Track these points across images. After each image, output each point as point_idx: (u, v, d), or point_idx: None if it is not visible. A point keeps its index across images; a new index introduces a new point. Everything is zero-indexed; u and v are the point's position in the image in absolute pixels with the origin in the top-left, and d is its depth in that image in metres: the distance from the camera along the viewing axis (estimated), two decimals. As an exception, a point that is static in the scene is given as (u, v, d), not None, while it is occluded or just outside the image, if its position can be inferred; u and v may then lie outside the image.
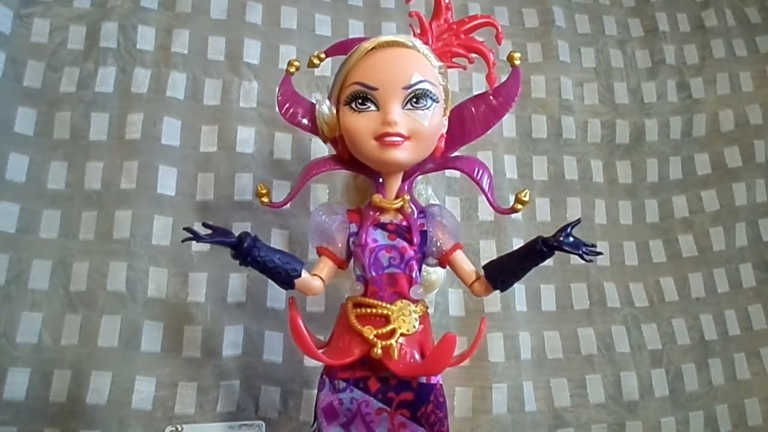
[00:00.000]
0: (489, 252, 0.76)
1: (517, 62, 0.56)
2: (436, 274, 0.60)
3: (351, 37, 0.80)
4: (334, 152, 0.58)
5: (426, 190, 0.61)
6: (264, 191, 0.55)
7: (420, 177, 0.58)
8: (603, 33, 0.91)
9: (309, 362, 0.69)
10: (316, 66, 0.59)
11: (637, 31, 0.92)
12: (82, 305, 0.65)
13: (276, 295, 0.70)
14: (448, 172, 0.76)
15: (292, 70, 0.58)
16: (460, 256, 0.55)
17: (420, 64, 0.52)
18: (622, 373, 0.76)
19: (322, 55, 0.59)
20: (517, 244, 0.76)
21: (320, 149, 0.75)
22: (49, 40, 0.73)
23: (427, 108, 0.52)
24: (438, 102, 0.53)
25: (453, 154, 0.58)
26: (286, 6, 0.80)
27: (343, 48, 0.58)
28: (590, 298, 0.79)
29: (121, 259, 0.66)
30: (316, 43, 0.79)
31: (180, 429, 0.63)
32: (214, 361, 0.66)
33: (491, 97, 0.56)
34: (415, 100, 0.51)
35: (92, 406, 0.62)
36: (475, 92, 0.79)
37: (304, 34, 0.80)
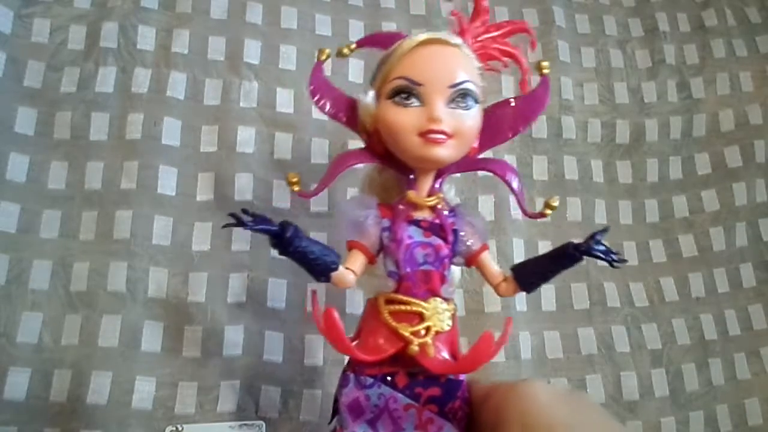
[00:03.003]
0: (490, 251, 0.75)
1: (546, 71, 0.56)
2: (454, 273, 0.60)
3: (352, 38, 0.80)
4: (350, 148, 0.57)
5: (450, 190, 0.61)
6: (295, 180, 0.54)
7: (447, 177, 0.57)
8: (603, 33, 0.91)
9: (309, 362, 0.69)
10: (345, 56, 0.57)
11: (637, 30, 0.92)
12: (83, 305, 0.65)
13: (276, 295, 0.70)
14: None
15: (323, 57, 0.56)
16: (487, 257, 0.55)
17: (464, 64, 0.52)
18: (622, 372, 0.76)
19: (353, 46, 0.58)
20: (518, 244, 0.77)
21: (321, 149, 0.75)
22: (49, 40, 0.73)
23: (470, 108, 0.52)
24: (479, 103, 0.53)
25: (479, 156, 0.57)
26: (287, 6, 0.80)
27: (375, 41, 0.57)
28: (590, 298, 0.79)
29: (122, 259, 0.66)
30: (316, 43, 0.79)
31: (180, 429, 0.63)
32: (215, 361, 0.66)
33: (521, 103, 0.56)
34: (459, 98, 0.51)
35: (92, 406, 0.62)
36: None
37: (305, 34, 0.80)
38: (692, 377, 0.78)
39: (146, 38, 0.74)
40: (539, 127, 0.83)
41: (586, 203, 0.82)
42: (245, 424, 0.65)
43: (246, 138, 0.73)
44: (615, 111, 0.87)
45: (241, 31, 0.77)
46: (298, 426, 0.67)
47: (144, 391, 0.64)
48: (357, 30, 0.82)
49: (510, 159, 0.81)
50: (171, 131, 0.72)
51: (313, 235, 0.71)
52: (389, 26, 0.83)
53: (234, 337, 0.67)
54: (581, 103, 0.87)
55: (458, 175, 0.76)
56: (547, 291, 0.78)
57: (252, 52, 0.77)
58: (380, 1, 0.84)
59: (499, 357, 0.72)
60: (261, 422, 0.65)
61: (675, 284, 0.82)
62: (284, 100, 0.76)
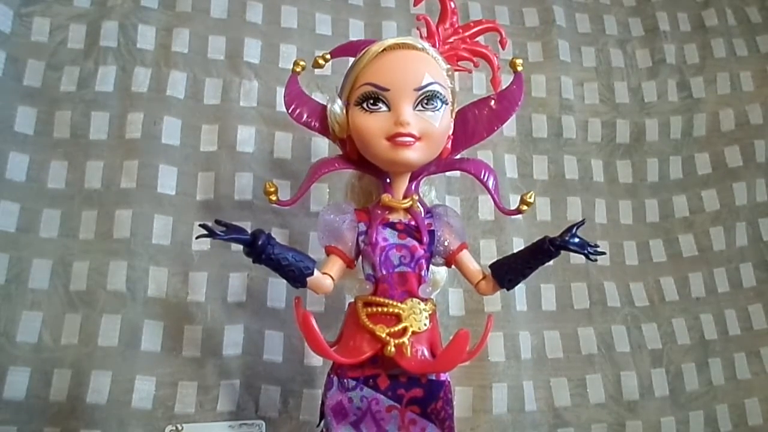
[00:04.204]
0: (489, 251, 0.76)
1: (520, 68, 0.58)
2: (439, 274, 0.61)
3: (352, 38, 0.81)
4: (340, 152, 0.58)
5: (430, 191, 0.61)
6: (272, 189, 0.56)
7: (424, 178, 0.58)
8: (603, 32, 0.91)
9: (309, 362, 0.69)
10: (321, 67, 0.59)
11: (637, 30, 0.92)
12: (82, 304, 0.65)
13: (276, 294, 0.70)
14: (449, 172, 0.76)
15: (298, 69, 0.59)
16: (466, 256, 0.56)
17: (430, 66, 0.53)
18: (623, 372, 0.76)
19: (328, 56, 0.59)
20: (518, 243, 0.77)
21: (321, 149, 0.75)
22: (49, 39, 0.73)
23: (438, 109, 0.53)
24: (447, 104, 0.54)
25: (456, 156, 0.58)
26: (287, 5, 0.80)
27: (348, 50, 0.59)
28: (590, 298, 0.79)
29: (122, 258, 0.66)
30: (316, 42, 0.80)
31: (180, 428, 0.63)
32: (215, 361, 0.66)
33: (495, 102, 0.57)
34: (426, 101, 0.52)
35: (92, 406, 0.62)
36: (475, 92, 0.80)
37: (305, 33, 0.80)
38: (692, 377, 0.78)
39: (146, 37, 0.74)
40: (539, 127, 0.83)
41: (586, 203, 0.82)
42: (245, 424, 0.64)
43: (246, 137, 0.73)
44: (615, 110, 0.87)
45: (241, 31, 0.77)
46: (297, 425, 0.67)
47: (144, 390, 0.64)
48: (357, 29, 0.82)
49: (510, 158, 0.81)
50: (171, 130, 0.72)
51: (312, 234, 0.71)
52: (390, 26, 0.83)
53: (234, 337, 0.67)
54: (581, 102, 0.87)
55: (458, 175, 0.77)
56: (548, 291, 0.78)
57: (252, 51, 0.77)
58: (380, 0, 0.84)
59: (499, 356, 0.72)
60: (261, 422, 0.65)
61: (675, 284, 0.82)
62: (284, 100, 0.76)
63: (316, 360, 0.69)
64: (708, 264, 0.83)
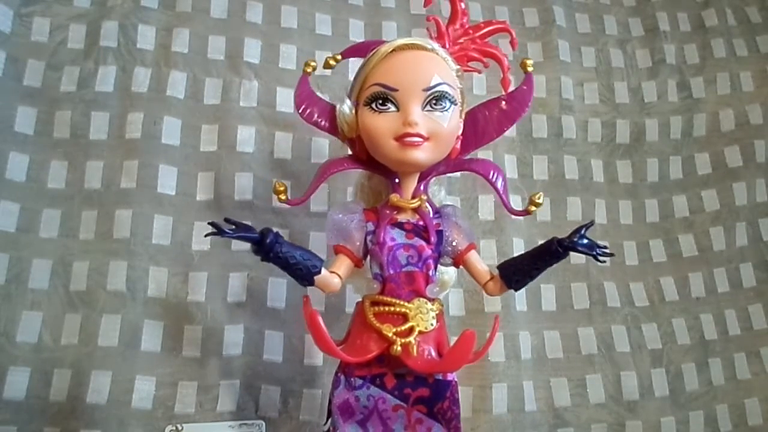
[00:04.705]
0: (489, 251, 0.76)
1: (530, 69, 0.58)
2: (448, 274, 0.61)
3: (352, 38, 0.81)
4: (341, 152, 0.58)
5: (439, 191, 0.62)
6: (281, 188, 0.56)
7: (434, 178, 0.58)
8: (603, 32, 0.91)
9: (309, 362, 0.69)
10: (332, 67, 0.59)
11: (637, 30, 0.92)
12: (82, 304, 0.65)
13: (276, 294, 0.70)
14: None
15: (309, 70, 0.59)
16: (474, 256, 0.56)
17: (439, 67, 0.54)
18: (622, 372, 0.76)
19: (339, 57, 0.60)
20: (517, 243, 0.77)
21: (321, 149, 0.75)
22: (49, 39, 0.73)
23: (446, 110, 0.53)
24: (456, 104, 0.54)
25: (466, 157, 0.59)
26: (287, 5, 0.80)
27: (358, 50, 0.59)
28: (590, 298, 0.79)
29: (122, 258, 0.66)
30: (316, 42, 0.80)
31: (180, 428, 0.63)
32: (215, 361, 0.66)
33: (505, 102, 0.57)
34: (434, 101, 0.52)
35: (92, 406, 0.62)
36: (476, 92, 0.80)
37: (305, 33, 0.80)
38: (692, 377, 0.78)
39: (146, 37, 0.74)
40: (539, 127, 0.83)
41: (586, 203, 0.82)
42: (245, 424, 0.65)
43: (246, 137, 0.73)
44: (615, 110, 0.87)
45: (241, 30, 0.77)
46: (297, 425, 0.67)
47: (144, 390, 0.64)
48: (357, 30, 0.82)
49: (510, 159, 0.81)
50: (171, 130, 0.72)
51: (313, 235, 0.71)
52: (389, 26, 0.83)
53: (234, 337, 0.67)
54: (581, 102, 0.87)
55: (458, 175, 0.77)
56: (548, 291, 0.78)
57: (252, 51, 0.77)
58: (380, 0, 0.84)
59: (499, 356, 0.72)
60: (261, 422, 0.65)
61: (675, 284, 0.82)
62: (284, 100, 0.76)
63: (316, 360, 0.69)
64: (708, 264, 0.84)
